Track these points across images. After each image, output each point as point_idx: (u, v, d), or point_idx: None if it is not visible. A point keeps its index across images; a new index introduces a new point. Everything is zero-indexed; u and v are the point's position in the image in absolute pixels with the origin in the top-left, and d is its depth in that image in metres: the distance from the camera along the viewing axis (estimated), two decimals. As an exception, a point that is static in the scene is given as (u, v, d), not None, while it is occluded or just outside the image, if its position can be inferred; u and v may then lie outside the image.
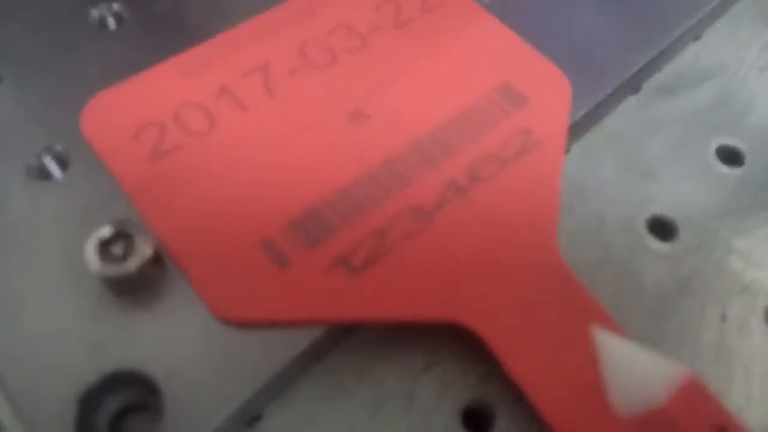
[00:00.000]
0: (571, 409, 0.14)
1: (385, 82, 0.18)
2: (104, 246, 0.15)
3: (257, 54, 0.18)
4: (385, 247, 0.15)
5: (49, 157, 0.17)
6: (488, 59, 0.19)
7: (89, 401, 0.14)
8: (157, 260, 0.15)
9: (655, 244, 0.18)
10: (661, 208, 0.19)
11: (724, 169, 0.20)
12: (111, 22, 0.20)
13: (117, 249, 0.15)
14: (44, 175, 0.17)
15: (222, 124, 0.17)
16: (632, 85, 0.21)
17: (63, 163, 0.17)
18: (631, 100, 0.21)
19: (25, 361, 0.14)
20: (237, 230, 0.15)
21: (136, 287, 0.15)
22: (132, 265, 0.14)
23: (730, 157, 0.20)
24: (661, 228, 0.19)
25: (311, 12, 0.20)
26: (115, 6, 0.20)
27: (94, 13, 0.20)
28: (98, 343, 0.14)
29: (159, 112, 0.17)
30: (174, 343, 0.14)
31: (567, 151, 0.20)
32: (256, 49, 0.19)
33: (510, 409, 0.15)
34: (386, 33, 0.19)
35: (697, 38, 0.23)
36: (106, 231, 0.15)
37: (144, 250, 0.14)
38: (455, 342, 0.16)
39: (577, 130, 0.19)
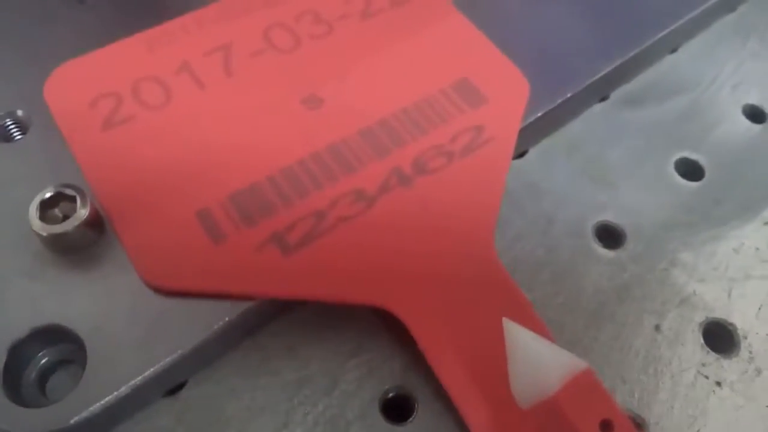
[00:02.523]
0: (481, 398, 0.15)
1: (344, 69, 0.19)
2: (46, 207, 0.16)
3: (222, 34, 0.19)
4: (321, 228, 0.16)
5: (10, 121, 0.18)
6: (449, 55, 0.20)
7: (19, 352, 0.15)
8: (96, 224, 0.16)
9: (600, 250, 0.19)
10: (611, 215, 0.19)
11: (682, 182, 0.20)
12: (87, -6, 0.21)
13: (58, 211, 0.16)
14: (4, 137, 0.18)
15: (177, 100, 0.18)
16: (598, 93, 0.21)
17: (23, 127, 0.18)
18: (597, 108, 0.21)
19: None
20: (176, 202, 0.16)
21: (74, 248, 0.16)
22: (68, 225, 0.15)
23: (690, 170, 0.20)
24: (609, 235, 0.19)
25: (282, -3, 0.20)
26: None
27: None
28: (32, 297, 0.15)
29: (118, 83, 0.18)
30: (104, 304, 0.15)
31: (524, 152, 0.20)
32: (222, 30, 0.19)
33: (430, 398, 0.16)
34: (353, 22, 0.20)
35: (673, 50, 0.23)
36: (48, 192, 0.15)
37: (81, 213, 0.15)
38: (383, 329, 0.17)
39: (535, 132, 0.20)
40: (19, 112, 0.18)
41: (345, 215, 0.16)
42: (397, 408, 0.16)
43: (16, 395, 0.14)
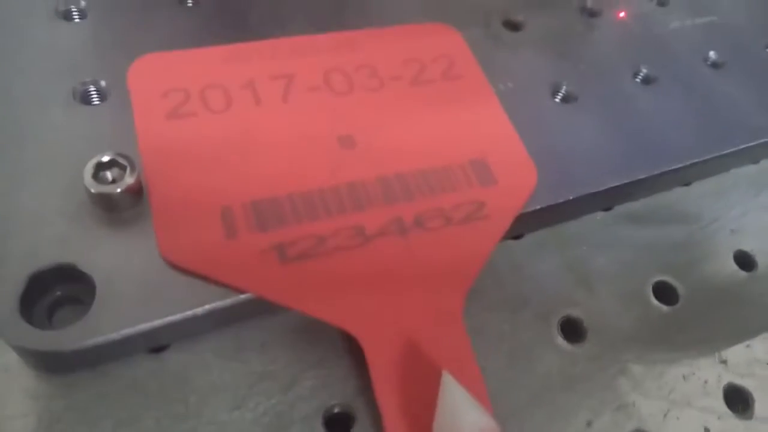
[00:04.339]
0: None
1: (382, 121, 0.22)
2: (100, 168, 0.19)
3: (289, 65, 0.23)
4: (319, 250, 0.19)
5: (93, 88, 0.21)
6: (476, 135, 0.22)
7: (37, 281, 0.18)
8: (137, 194, 0.19)
9: (560, 340, 0.21)
10: (580, 312, 0.21)
11: (654, 302, 0.22)
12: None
13: (110, 174, 0.19)
14: (84, 100, 0.21)
15: (235, 110, 0.21)
16: (603, 203, 0.24)
17: (102, 96, 0.21)
18: (598, 215, 0.24)
19: (7, 227, 0.18)
20: (207, 194, 0.19)
21: (112, 209, 0.19)
22: (114, 188, 0.18)
23: (665, 294, 0.23)
24: (572, 329, 0.21)
25: (350, 47, 0.24)
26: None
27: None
28: (63, 238, 0.18)
29: (190, 83, 0.21)
30: (121, 260, 0.18)
31: (521, 236, 0.23)
32: (290, 62, 0.23)
33: (367, 423, 0.18)
34: (403, 84, 0.23)
35: (686, 184, 0.25)
36: (106, 156, 0.19)
37: (128, 181, 0.18)
38: (347, 352, 0.19)
39: (534, 221, 0.22)
40: (102, 82, 0.22)
41: (342, 245, 0.19)
42: (337, 423, 0.18)
43: (28, 318, 0.17)
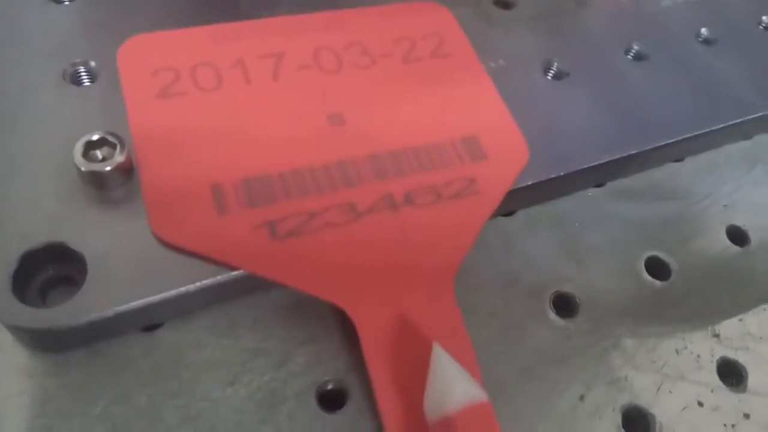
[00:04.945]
0: (399, 404, 0.17)
1: (372, 99, 0.22)
2: (90, 147, 0.19)
3: (278, 44, 0.23)
4: (309, 227, 0.19)
5: (83, 68, 0.22)
6: (467, 112, 0.23)
7: (30, 260, 0.18)
8: (127, 172, 0.19)
9: (552, 315, 0.21)
10: (571, 288, 0.22)
11: (647, 278, 0.23)
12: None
13: (99, 153, 0.19)
14: (75, 80, 0.22)
15: (225, 88, 0.21)
16: (594, 179, 0.24)
17: (92, 76, 0.22)
18: (590, 192, 0.24)
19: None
20: (197, 172, 0.19)
21: (103, 187, 0.19)
22: (104, 166, 0.19)
23: (657, 270, 0.23)
24: (564, 304, 0.22)
25: (339, 26, 0.24)
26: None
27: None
28: (55, 217, 0.18)
29: (180, 62, 0.22)
30: (113, 238, 0.18)
31: (513, 212, 0.23)
32: (279, 40, 0.23)
33: (360, 398, 0.19)
34: (393, 62, 0.23)
35: (678, 160, 0.26)
36: (95, 135, 0.19)
37: (118, 159, 0.19)
38: (339, 328, 0.19)
39: (525, 197, 0.22)
40: (92, 63, 0.22)
41: (332, 221, 0.19)
42: (330, 399, 0.19)
43: (21, 297, 0.18)
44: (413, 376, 0.18)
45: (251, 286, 0.19)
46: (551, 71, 0.25)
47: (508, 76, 0.24)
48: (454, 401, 0.16)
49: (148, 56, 0.22)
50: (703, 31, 0.28)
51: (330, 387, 0.19)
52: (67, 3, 0.23)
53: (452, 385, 0.16)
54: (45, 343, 0.18)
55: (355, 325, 0.18)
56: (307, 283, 0.19)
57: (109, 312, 0.17)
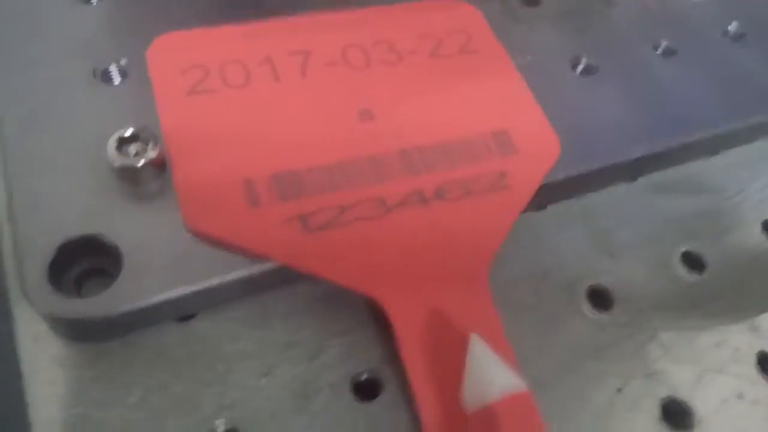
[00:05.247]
0: (436, 395, 0.17)
1: (401, 95, 0.22)
2: (123, 142, 0.19)
3: (307, 41, 0.23)
4: (340, 220, 0.19)
5: (114, 66, 0.22)
6: (497, 106, 0.23)
7: (65, 251, 0.18)
8: (160, 166, 0.19)
9: (587, 308, 0.21)
10: (606, 281, 0.22)
11: (682, 271, 0.22)
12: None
13: (132, 148, 0.19)
14: (106, 78, 0.22)
15: (254, 85, 0.22)
16: (628, 174, 0.24)
17: (123, 74, 0.22)
18: (623, 187, 0.24)
19: (36, 201, 0.19)
20: (228, 167, 0.20)
21: (137, 181, 0.19)
22: (137, 161, 0.19)
23: (693, 262, 0.23)
24: (599, 298, 0.21)
25: (366, 24, 0.24)
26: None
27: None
28: (90, 210, 0.19)
29: (209, 60, 0.22)
30: (147, 231, 0.19)
31: (544, 207, 0.23)
32: (308, 38, 0.23)
33: (395, 388, 0.19)
34: (421, 58, 0.23)
35: (713, 154, 0.25)
36: (127, 132, 0.19)
37: (150, 154, 0.19)
38: (372, 320, 0.20)
39: (557, 192, 0.22)
40: (123, 61, 0.22)
41: (363, 215, 0.19)
42: (365, 389, 0.19)
43: (58, 287, 0.18)
44: (449, 368, 0.17)
45: (284, 278, 0.20)
46: (580, 66, 0.25)
47: (536, 72, 0.24)
48: (495, 391, 0.16)
49: (177, 54, 0.22)
50: (732, 26, 0.28)
51: (365, 377, 0.19)
52: (94, 3, 0.24)
53: (492, 374, 0.16)
54: (80, 333, 0.18)
55: (389, 317, 0.18)
56: (340, 274, 0.19)
57: (144, 303, 0.18)
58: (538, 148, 0.22)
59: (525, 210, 0.21)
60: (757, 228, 0.24)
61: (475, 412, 0.16)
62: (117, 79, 0.22)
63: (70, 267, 0.18)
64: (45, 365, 0.18)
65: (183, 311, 0.19)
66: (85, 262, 0.19)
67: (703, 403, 0.20)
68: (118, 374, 0.18)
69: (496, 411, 0.16)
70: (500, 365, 0.16)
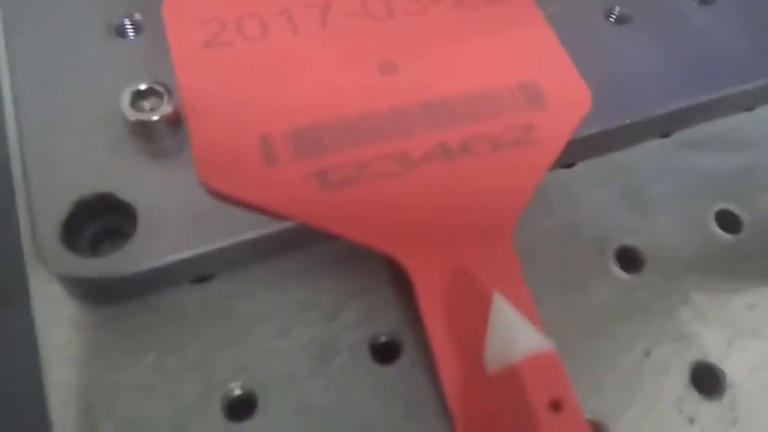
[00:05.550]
0: (458, 357, 0.17)
1: (425, 46, 0.22)
2: (138, 97, 0.19)
3: (325, -9, 0.22)
4: (360, 177, 0.19)
5: (128, 21, 0.22)
6: (525, 57, 0.22)
7: (79, 210, 0.18)
8: (175, 122, 0.19)
9: (616, 269, 0.20)
10: (637, 241, 0.21)
11: (717, 230, 0.22)
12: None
13: (147, 104, 0.19)
14: (120, 33, 0.22)
15: (272, 37, 0.21)
16: (660, 129, 0.23)
17: (137, 29, 0.22)
18: (655, 143, 0.23)
19: (49, 158, 0.18)
20: (245, 122, 0.19)
21: (152, 137, 0.19)
22: (152, 116, 0.18)
23: (728, 222, 0.22)
24: (629, 258, 0.21)
25: (388, -29, 0.23)
26: None
27: None
28: (105, 168, 0.18)
29: (226, 13, 0.21)
30: (162, 188, 0.18)
31: (573, 164, 0.22)
32: (327, -13, 0.22)
33: (415, 350, 0.18)
34: (446, 8, 0.23)
35: (748, 109, 0.24)
36: (142, 85, 0.19)
37: (165, 108, 0.19)
38: (392, 280, 0.19)
39: (587, 148, 0.22)
40: (137, 15, 0.22)
41: (385, 171, 0.19)
42: (383, 351, 0.18)
43: (72, 247, 0.18)
44: (471, 328, 0.17)
45: (301, 239, 0.19)
46: (613, 15, 0.24)
47: (567, 21, 0.23)
48: (519, 350, 0.15)
49: (193, 7, 0.21)
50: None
51: (383, 340, 0.19)
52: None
53: (516, 333, 0.15)
54: (95, 294, 0.18)
55: (409, 276, 0.18)
56: (359, 233, 0.18)
57: (160, 262, 0.17)
58: (567, 101, 0.21)
59: (554, 166, 0.21)
60: (798, 185, 0.23)
61: (498, 372, 0.16)
62: (132, 34, 0.22)
63: (85, 226, 0.18)
64: (59, 327, 0.18)
65: (199, 272, 0.19)
66: (100, 221, 0.18)
67: (735, 367, 0.19)
68: (133, 336, 0.18)
69: (520, 371, 0.15)
70: (524, 324, 0.16)
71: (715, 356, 0.19)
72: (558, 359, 0.16)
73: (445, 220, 0.19)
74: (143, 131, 0.19)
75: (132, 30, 0.22)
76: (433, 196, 0.19)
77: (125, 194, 0.18)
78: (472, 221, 0.19)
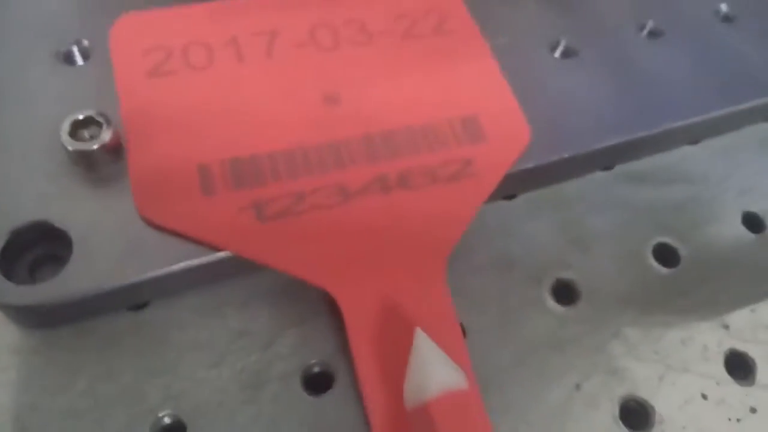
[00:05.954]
0: (382, 389, 0.17)
1: (369, 78, 0.22)
2: (78, 126, 0.19)
3: (274, 21, 0.23)
4: (297, 209, 0.19)
5: (76, 48, 0.22)
6: (468, 91, 0.22)
7: (16, 238, 0.18)
8: (115, 151, 0.19)
9: (550, 302, 0.21)
10: (573, 274, 0.21)
11: (654, 264, 0.22)
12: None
13: (87, 133, 0.19)
14: (68, 59, 0.22)
15: (217, 67, 0.22)
16: (602, 162, 0.24)
17: (85, 56, 0.22)
18: (598, 175, 0.24)
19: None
20: (184, 151, 0.20)
21: (91, 166, 0.19)
22: (90, 145, 0.19)
23: (666, 256, 0.22)
24: (564, 291, 0.21)
25: (338, 2, 0.24)
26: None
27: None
28: (43, 196, 0.19)
29: (172, 41, 0.22)
30: (99, 217, 0.19)
31: (514, 196, 0.23)
32: (276, 17, 0.23)
33: (347, 383, 0.19)
34: (393, 39, 0.23)
35: (693, 143, 0.25)
36: (81, 115, 0.19)
37: (104, 137, 0.19)
38: (327, 312, 0.20)
39: (527, 180, 0.22)
40: (85, 42, 0.22)
41: (321, 203, 0.19)
42: (316, 382, 0.19)
43: (8, 274, 0.18)
44: (398, 362, 0.18)
45: (238, 267, 0.20)
46: (559, 49, 0.24)
47: (513, 54, 0.24)
48: (432, 387, 0.16)
49: (141, 34, 0.22)
50: (722, 6, 0.27)
51: (316, 370, 0.19)
52: (61, -19, 0.24)
53: (431, 370, 0.16)
54: (31, 319, 0.18)
55: (340, 308, 0.18)
56: (292, 265, 0.19)
57: (94, 289, 0.18)
58: (507, 136, 0.22)
59: (494, 198, 0.21)
60: (737, 220, 0.24)
61: (415, 408, 0.16)
62: (80, 61, 0.22)
63: (22, 254, 0.19)
64: (-2, 351, 0.18)
65: (135, 299, 0.19)
66: (37, 248, 0.19)
67: (665, 402, 0.20)
68: (68, 360, 0.18)
69: (433, 409, 0.16)
70: (443, 361, 0.16)
71: (645, 391, 0.20)
72: (476, 397, 0.16)
73: (377, 252, 0.19)
74: (83, 160, 0.19)
75: (80, 56, 0.22)
76: (368, 228, 0.19)
77: (61, 222, 0.18)
78: (405, 253, 0.19)
